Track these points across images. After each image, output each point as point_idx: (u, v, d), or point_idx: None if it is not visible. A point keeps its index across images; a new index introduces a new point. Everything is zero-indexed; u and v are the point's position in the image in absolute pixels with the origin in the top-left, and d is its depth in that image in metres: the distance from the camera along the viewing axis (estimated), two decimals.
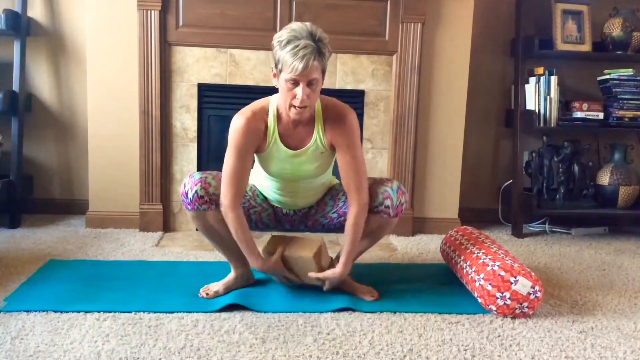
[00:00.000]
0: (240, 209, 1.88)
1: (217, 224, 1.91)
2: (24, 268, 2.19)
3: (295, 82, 1.72)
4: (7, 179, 2.80)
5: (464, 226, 2.38)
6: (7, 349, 1.54)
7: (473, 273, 1.97)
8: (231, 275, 2.03)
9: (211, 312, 1.83)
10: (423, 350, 1.62)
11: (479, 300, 1.92)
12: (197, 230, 2.04)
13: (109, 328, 1.69)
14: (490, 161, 3.34)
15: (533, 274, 1.87)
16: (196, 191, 1.84)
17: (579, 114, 3.06)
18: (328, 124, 1.88)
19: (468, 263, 2.04)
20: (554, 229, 3.19)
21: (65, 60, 3.03)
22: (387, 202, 1.91)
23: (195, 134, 2.82)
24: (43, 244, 2.55)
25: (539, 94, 3.04)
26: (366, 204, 1.91)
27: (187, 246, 2.60)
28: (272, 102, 1.88)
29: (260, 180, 2.05)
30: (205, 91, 2.82)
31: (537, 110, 3.03)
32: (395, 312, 1.88)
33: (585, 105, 3.06)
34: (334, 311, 1.87)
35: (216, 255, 2.41)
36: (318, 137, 1.88)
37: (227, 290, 1.99)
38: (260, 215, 2.07)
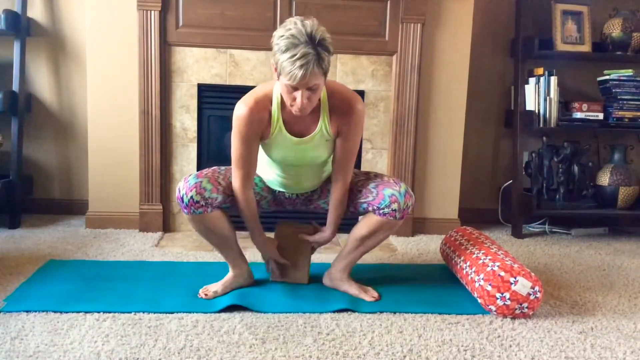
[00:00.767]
0: (250, 190, 1.94)
1: (213, 225, 1.91)
2: (24, 268, 2.19)
3: (295, 88, 1.70)
4: (7, 179, 2.80)
5: (464, 226, 2.38)
6: (7, 349, 1.54)
7: (473, 273, 1.97)
8: (229, 274, 2.03)
9: (211, 312, 1.83)
10: (423, 351, 1.62)
11: (479, 300, 1.92)
12: (195, 230, 2.04)
13: (108, 328, 1.69)
14: (490, 161, 3.34)
15: (533, 274, 1.87)
16: (191, 196, 1.84)
17: (578, 115, 3.06)
18: (334, 112, 1.87)
19: (468, 263, 2.04)
20: (553, 230, 3.19)
21: (65, 60, 3.03)
22: (394, 206, 1.90)
23: (195, 134, 2.82)
24: (43, 244, 2.55)
25: (538, 95, 3.04)
26: (349, 180, 2.00)
27: (187, 246, 2.60)
28: (276, 89, 1.86)
29: (262, 166, 2.05)
30: (205, 91, 2.82)
31: (537, 111, 3.03)
32: (395, 313, 1.88)
33: (585, 106, 3.07)
34: (333, 312, 1.87)
35: (216, 256, 2.41)
36: (323, 124, 1.88)
37: (226, 290, 1.99)
38: (260, 202, 2.09)
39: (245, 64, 2.78)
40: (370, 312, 1.88)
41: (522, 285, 1.83)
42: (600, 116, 3.07)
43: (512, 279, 1.84)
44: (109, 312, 1.80)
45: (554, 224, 3.23)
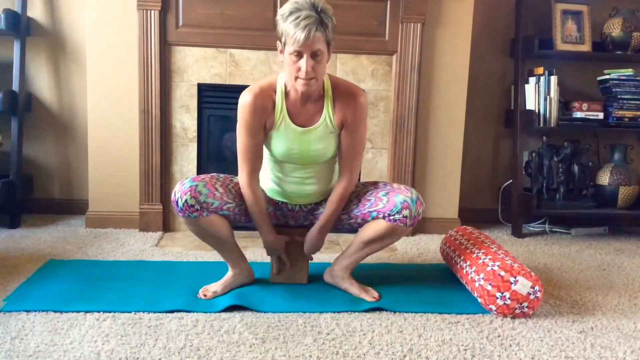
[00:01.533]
0: (257, 184, 1.94)
1: (210, 229, 1.91)
2: (24, 268, 2.19)
3: (299, 54, 1.73)
4: (6, 179, 2.80)
5: (464, 226, 2.38)
6: (7, 349, 1.54)
7: (473, 273, 1.97)
8: (229, 274, 2.03)
9: (211, 312, 1.82)
10: (423, 350, 1.62)
11: (479, 300, 1.92)
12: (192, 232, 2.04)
13: (108, 328, 1.69)
14: (490, 161, 3.34)
15: (533, 274, 1.87)
16: (186, 200, 1.83)
17: (578, 114, 3.06)
18: (338, 103, 1.89)
19: (468, 263, 2.04)
20: (553, 229, 3.19)
21: (65, 60, 3.03)
22: (406, 212, 1.89)
23: (195, 134, 2.82)
24: (43, 244, 2.55)
25: (538, 94, 3.04)
26: (355, 181, 1.99)
27: (187, 246, 2.60)
28: (280, 80, 1.89)
29: (265, 172, 2.03)
30: (205, 91, 2.82)
31: (537, 110, 3.03)
32: (395, 312, 1.88)
33: (585, 105, 3.07)
34: (333, 311, 1.87)
35: (216, 255, 2.40)
36: (327, 115, 1.88)
37: (226, 289, 1.99)
38: None
39: (245, 64, 2.78)
40: (370, 312, 1.88)
41: (522, 285, 1.83)
42: (600, 116, 3.07)
43: (512, 279, 1.84)
44: (109, 312, 1.80)
45: (554, 224, 3.23)
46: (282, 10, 1.74)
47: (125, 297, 1.92)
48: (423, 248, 2.73)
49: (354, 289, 2.02)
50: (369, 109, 2.87)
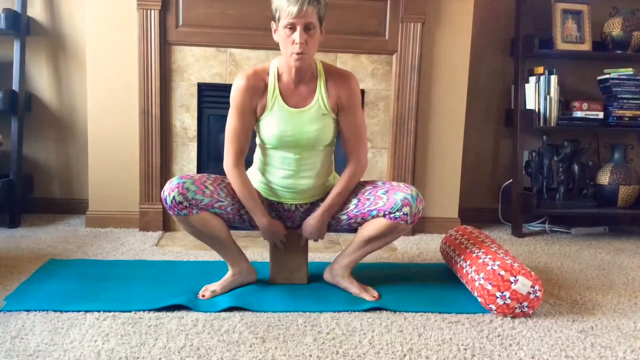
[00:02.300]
0: (243, 167, 1.94)
1: (202, 227, 1.90)
2: (24, 267, 2.19)
3: (293, 27, 1.78)
4: (7, 178, 2.80)
5: (464, 226, 2.38)
6: (7, 349, 1.54)
7: (473, 272, 1.97)
8: (228, 274, 2.02)
9: (210, 312, 1.82)
10: (423, 350, 1.62)
11: (479, 299, 1.92)
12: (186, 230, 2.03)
13: (108, 327, 1.69)
14: (490, 161, 3.34)
15: (533, 273, 1.87)
16: (174, 197, 1.83)
17: (578, 114, 3.06)
18: (331, 83, 1.93)
19: (468, 262, 2.04)
20: (553, 229, 3.19)
21: (65, 60, 3.03)
22: (406, 210, 1.89)
23: (195, 134, 2.82)
24: (43, 243, 2.55)
25: (538, 94, 3.04)
26: (365, 166, 2.00)
27: (187, 245, 2.61)
28: (273, 64, 1.94)
29: (262, 166, 2.02)
30: (205, 91, 2.82)
31: (537, 110, 3.03)
32: (395, 312, 1.88)
33: (585, 105, 3.07)
34: (333, 311, 1.87)
35: (216, 255, 2.41)
36: (320, 96, 1.91)
37: (225, 289, 1.98)
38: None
39: (245, 63, 2.78)
40: (370, 311, 1.88)
41: (522, 284, 1.83)
42: (601, 115, 3.07)
43: (512, 278, 1.84)
44: (109, 311, 1.80)
45: (554, 223, 3.23)
46: None
47: (125, 296, 1.92)
48: (423, 247, 2.73)
49: (353, 288, 2.02)
50: (369, 108, 2.87)
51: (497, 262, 1.90)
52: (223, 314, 1.81)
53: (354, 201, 1.99)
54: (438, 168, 2.99)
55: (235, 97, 1.90)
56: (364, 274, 2.16)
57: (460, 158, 3.00)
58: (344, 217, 2.02)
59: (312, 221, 2.00)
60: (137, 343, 1.59)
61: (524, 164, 3.14)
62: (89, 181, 2.85)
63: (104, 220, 2.84)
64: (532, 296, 1.84)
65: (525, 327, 1.81)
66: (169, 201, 1.84)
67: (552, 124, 3.04)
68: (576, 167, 3.11)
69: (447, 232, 2.41)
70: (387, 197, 1.92)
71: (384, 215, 1.92)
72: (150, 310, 1.82)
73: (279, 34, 1.83)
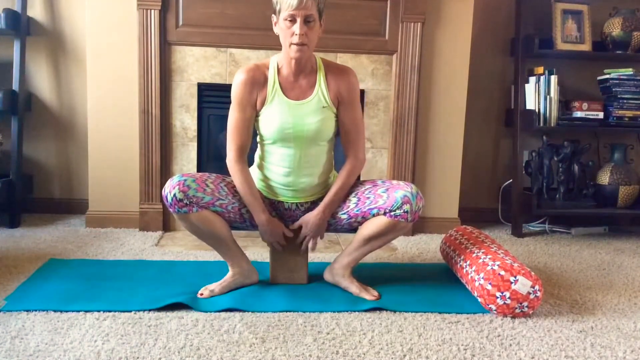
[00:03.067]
0: (245, 162, 1.95)
1: (203, 225, 1.90)
2: (24, 267, 2.19)
3: (293, 19, 1.81)
4: (7, 178, 2.80)
5: (464, 226, 2.38)
6: (7, 349, 1.54)
7: (473, 272, 1.97)
8: (229, 274, 2.02)
9: (209, 312, 1.82)
10: (423, 350, 1.62)
11: (479, 299, 1.92)
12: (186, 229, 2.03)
13: (108, 327, 1.69)
14: (490, 161, 3.34)
15: (533, 273, 1.87)
16: (174, 194, 1.84)
17: (578, 114, 3.06)
18: (330, 77, 1.95)
19: (468, 262, 2.04)
20: (553, 229, 3.19)
21: (65, 60, 3.03)
22: (406, 207, 1.89)
23: (195, 134, 2.82)
24: (43, 243, 2.55)
25: (538, 94, 3.04)
26: (363, 161, 2.02)
27: (187, 245, 2.61)
28: (273, 59, 1.97)
29: (262, 164, 2.02)
30: (205, 90, 2.82)
31: (537, 110, 3.03)
32: (395, 312, 1.88)
33: (585, 105, 3.07)
34: (333, 311, 1.87)
35: (216, 255, 2.41)
36: (320, 89, 1.93)
37: (225, 289, 1.98)
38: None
39: (245, 63, 2.78)
40: (370, 311, 1.88)
41: (522, 284, 1.83)
42: (601, 115, 3.07)
43: (512, 278, 1.84)
44: (109, 311, 1.80)
45: (554, 223, 3.23)
46: None
47: (125, 296, 1.92)
48: (423, 248, 2.73)
49: (354, 287, 2.02)
50: (369, 108, 2.88)
51: (497, 262, 1.90)
52: (223, 314, 1.81)
53: (354, 200, 1.99)
54: (438, 168, 2.99)
55: (235, 90, 1.92)
56: (364, 274, 2.16)
57: (460, 158, 3.00)
58: (345, 216, 2.01)
59: (312, 218, 2.00)
60: (137, 343, 1.60)
61: (524, 164, 3.14)
62: (89, 181, 2.85)
63: (104, 220, 2.84)
64: (532, 296, 1.84)
65: (525, 327, 1.81)
66: (169, 198, 1.84)
67: (552, 124, 3.04)
68: (576, 167, 3.11)
69: (447, 232, 2.41)
70: (387, 195, 1.92)
71: (384, 214, 1.92)
72: (150, 310, 1.82)
73: (279, 26, 1.86)
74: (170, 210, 1.88)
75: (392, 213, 1.90)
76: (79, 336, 1.62)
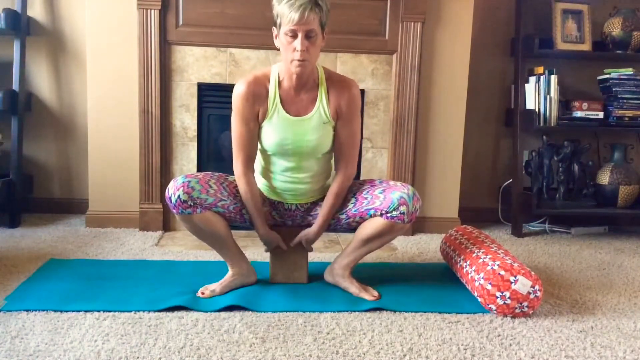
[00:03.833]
0: (251, 173, 1.95)
1: (205, 226, 1.90)
2: (24, 267, 2.19)
3: (294, 34, 1.76)
4: (7, 178, 2.80)
5: (464, 225, 2.38)
6: (7, 348, 1.54)
7: (473, 272, 1.97)
8: (228, 274, 2.02)
9: (210, 311, 1.82)
10: (423, 350, 1.62)
11: (479, 299, 1.92)
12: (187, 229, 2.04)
13: (108, 327, 1.69)
14: (490, 160, 3.34)
15: (533, 273, 1.87)
16: (179, 196, 1.84)
17: (578, 114, 3.06)
18: (332, 92, 1.91)
19: (468, 262, 2.04)
20: (553, 229, 3.19)
21: (65, 60, 3.03)
22: (403, 208, 1.89)
23: (195, 134, 2.82)
24: (43, 243, 2.55)
25: (539, 94, 3.04)
26: (351, 176, 1.99)
27: (187, 245, 2.60)
28: (274, 69, 1.92)
29: (262, 169, 2.03)
30: (205, 90, 2.82)
31: (537, 110, 3.03)
32: (395, 312, 1.88)
33: (585, 105, 3.07)
34: (334, 311, 1.87)
35: (216, 255, 2.40)
36: (321, 104, 1.90)
37: (225, 289, 1.98)
38: None
39: (245, 63, 2.78)
40: (370, 311, 1.88)
41: (522, 284, 1.83)
42: (601, 115, 3.07)
43: (512, 278, 1.84)
44: (109, 311, 1.80)
45: (554, 223, 3.23)
46: None
47: (125, 296, 1.92)
48: (423, 247, 2.73)
49: (353, 288, 2.02)
50: (369, 108, 2.88)
51: (497, 262, 1.90)
52: (223, 314, 1.81)
53: (352, 200, 2.00)
54: (438, 168, 2.99)
55: (237, 104, 1.89)
56: (364, 274, 2.16)
57: (460, 158, 3.00)
58: (343, 216, 2.02)
59: (311, 236, 2.04)
60: (137, 343, 1.59)
61: (524, 164, 3.13)
62: (89, 181, 2.85)
63: (104, 220, 2.84)
64: (532, 296, 1.84)
65: (525, 327, 1.81)
66: (173, 200, 1.84)
67: (552, 124, 3.04)
68: (576, 167, 3.11)
69: (447, 232, 2.41)
70: (383, 196, 1.92)
71: (381, 215, 1.92)
72: (150, 310, 1.81)
73: (280, 40, 1.81)
74: (174, 211, 1.87)
75: (389, 214, 1.90)
76: (79, 336, 1.62)
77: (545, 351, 1.65)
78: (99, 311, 1.79)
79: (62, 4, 2.99)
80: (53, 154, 3.10)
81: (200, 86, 2.80)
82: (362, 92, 2.85)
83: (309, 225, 2.08)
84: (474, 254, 2.04)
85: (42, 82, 3.04)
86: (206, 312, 1.82)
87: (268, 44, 2.70)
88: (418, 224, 2.99)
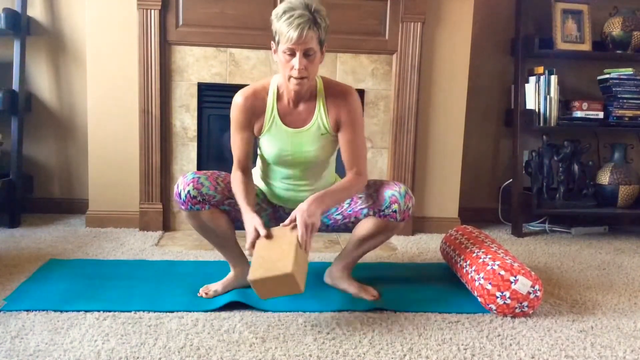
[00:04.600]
0: (246, 171, 1.89)
1: (211, 223, 1.90)
2: (24, 267, 2.19)
3: (292, 52, 1.74)
4: (7, 178, 2.80)
5: (464, 225, 2.38)
6: (7, 348, 1.54)
7: (473, 272, 1.97)
8: (230, 274, 2.03)
9: (211, 311, 1.83)
10: (423, 350, 1.62)
11: (479, 299, 1.92)
12: (193, 228, 2.04)
13: (108, 327, 1.69)
14: (490, 160, 3.34)
15: (533, 273, 1.87)
16: (188, 191, 1.84)
17: (578, 114, 3.06)
18: (330, 102, 1.89)
19: (468, 262, 2.04)
20: (553, 229, 3.19)
21: (65, 60, 3.03)
22: (395, 207, 1.88)
23: (195, 134, 2.82)
24: (43, 243, 2.55)
25: (538, 93, 3.04)
26: (364, 180, 1.91)
27: (187, 245, 2.61)
28: (273, 81, 1.91)
29: (264, 174, 2.03)
30: (205, 90, 2.82)
31: (537, 110, 3.03)
32: (395, 312, 1.88)
33: (585, 105, 3.07)
34: (334, 311, 1.87)
35: (216, 255, 2.41)
36: (319, 116, 1.89)
37: (227, 289, 1.99)
38: (260, 214, 2.05)
39: (245, 63, 2.78)
40: (370, 311, 1.88)
41: (522, 284, 1.83)
42: (601, 115, 3.07)
43: (512, 278, 1.84)
44: (109, 311, 1.80)
45: (554, 223, 3.23)
46: (276, 10, 1.76)
47: (125, 296, 1.92)
48: (423, 247, 2.73)
49: (353, 288, 2.02)
50: (369, 108, 2.87)
51: (497, 262, 1.90)
52: (223, 314, 1.81)
53: (347, 200, 2.00)
54: (438, 168, 2.99)
55: (234, 116, 1.89)
56: (364, 274, 2.16)
57: (460, 158, 3.00)
58: (339, 216, 2.02)
59: (303, 204, 1.75)
60: (137, 343, 1.59)
61: (524, 164, 3.13)
62: (89, 181, 2.85)
63: (104, 220, 2.84)
64: (532, 296, 1.84)
65: (525, 327, 1.81)
66: (183, 195, 1.84)
67: (552, 124, 3.04)
68: (576, 167, 3.11)
69: (447, 232, 2.41)
70: (376, 195, 1.92)
71: (374, 214, 1.92)
72: (150, 310, 1.81)
73: (279, 56, 1.79)
74: (182, 207, 1.87)
75: (382, 213, 1.90)
76: (79, 336, 1.62)
77: (545, 351, 1.65)
78: (99, 311, 1.79)
79: (62, 4, 2.99)
80: (53, 154, 3.10)
81: (200, 86, 2.80)
82: (362, 92, 2.85)
83: None
84: (474, 254, 2.04)
85: (42, 82, 3.04)
86: (207, 311, 1.82)
87: (268, 44, 2.70)
88: (418, 224, 2.99)
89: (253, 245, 1.70)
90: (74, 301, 1.86)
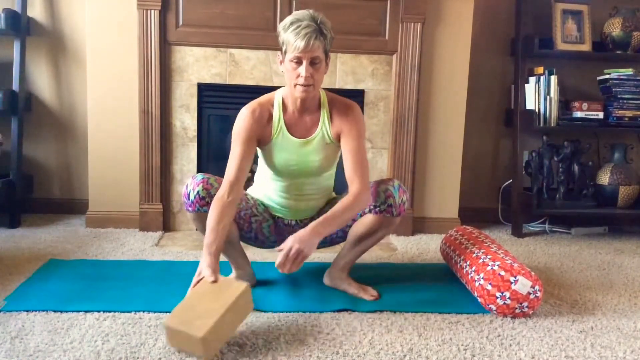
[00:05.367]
0: (230, 200, 1.78)
1: None
2: (24, 268, 2.19)
3: (299, 61, 1.79)
4: (7, 178, 2.80)
5: (464, 226, 2.38)
6: (7, 349, 1.54)
7: (473, 273, 1.97)
8: (232, 275, 2.04)
9: None
10: (423, 350, 1.62)
11: (479, 299, 1.92)
12: (196, 230, 2.05)
13: (108, 328, 1.69)
14: (490, 161, 3.34)
15: (533, 273, 1.87)
16: (198, 192, 1.86)
17: (578, 114, 3.06)
18: (334, 114, 1.93)
19: (468, 263, 2.04)
20: (553, 229, 3.19)
21: (65, 60, 3.03)
22: (390, 201, 1.90)
23: (195, 134, 2.82)
24: (43, 243, 2.55)
25: (538, 94, 3.04)
26: (367, 195, 1.85)
27: (187, 246, 2.60)
28: (278, 94, 1.94)
29: (264, 186, 2.05)
30: (205, 91, 2.82)
31: (537, 110, 3.03)
32: (395, 312, 1.88)
33: (585, 105, 3.07)
34: (334, 311, 1.87)
35: None
36: (324, 126, 1.92)
37: None
38: (261, 225, 2.05)
39: (245, 63, 2.78)
40: (370, 312, 1.88)
41: (522, 285, 1.83)
42: (601, 115, 3.07)
43: (512, 278, 1.84)
44: (109, 312, 1.80)
45: (554, 223, 3.23)
46: (284, 22, 1.81)
47: (125, 296, 1.92)
48: (423, 248, 2.73)
49: (352, 288, 2.02)
50: (369, 108, 2.88)
51: (497, 262, 1.90)
52: None
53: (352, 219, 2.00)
54: (438, 168, 2.99)
55: (239, 126, 1.88)
56: (364, 274, 2.16)
57: (460, 158, 3.00)
58: None
59: (301, 232, 1.72)
60: (137, 343, 1.59)
61: (524, 164, 3.13)
62: (89, 181, 2.85)
63: (104, 220, 2.84)
64: (532, 296, 1.84)
65: (525, 327, 1.81)
66: (192, 196, 1.86)
67: (552, 124, 3.04)
68: (576, 167, 3.11)
69: (447, 232, 2.41)
70: (370, 192, 1.92)
71: (370, 211, 1.93)
72: (150, 311, 1.81)
73: (285, 66, 1.83)
74: (190, 209, 1.88)
75: (377, 209, 1.92)
76: (79, 336, 1.62)
77: (545, 351, 1.65)
78: (99, 311, 1.79)
79: (62, 4, 2.99)
80: (53, 154, 3.10)
81: (200, 86, 2.80)
82: (362, 92, 2.86)
83: None
84: (474, 255, 2.04)
85: (42, 82, 3.04)
86: None
87: (268, 44, 2.72)
88: (418, 224, 2.99)
89: (196, 285, 1.65)
90: (74, 301, 1.86)
